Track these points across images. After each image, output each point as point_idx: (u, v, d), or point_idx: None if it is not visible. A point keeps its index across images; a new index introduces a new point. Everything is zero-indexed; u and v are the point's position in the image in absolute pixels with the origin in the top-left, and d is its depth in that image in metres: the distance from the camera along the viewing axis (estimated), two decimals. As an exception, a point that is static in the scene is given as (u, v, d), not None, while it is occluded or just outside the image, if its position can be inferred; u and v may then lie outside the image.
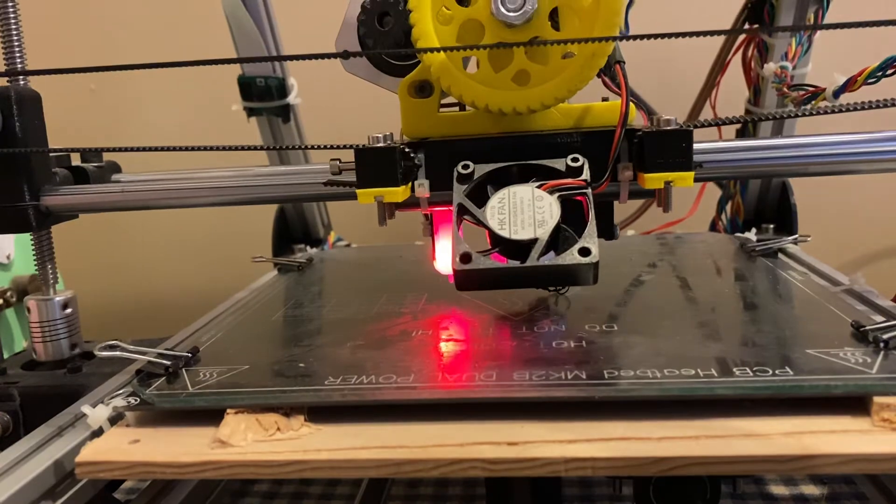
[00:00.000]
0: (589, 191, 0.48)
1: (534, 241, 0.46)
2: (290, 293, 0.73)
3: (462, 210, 0.48)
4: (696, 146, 0.48)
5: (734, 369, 0.43)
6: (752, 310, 0.56)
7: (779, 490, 0.68)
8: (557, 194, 0.47)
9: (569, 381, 0.43)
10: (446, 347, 0.51)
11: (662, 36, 0.42)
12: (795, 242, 0.77)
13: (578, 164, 0.49)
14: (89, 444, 0.43)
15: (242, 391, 0.46)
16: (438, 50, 0.47)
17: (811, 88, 0.57)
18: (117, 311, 1.34)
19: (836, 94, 0.53)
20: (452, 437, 0.40)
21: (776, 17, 0.82)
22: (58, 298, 0.64)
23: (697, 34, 0.41)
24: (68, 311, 0.65)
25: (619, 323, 0.54)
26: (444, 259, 0.56)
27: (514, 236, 0.46)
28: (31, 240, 0.65)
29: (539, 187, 0.48)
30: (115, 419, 0.46)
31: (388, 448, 0.40)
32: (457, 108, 0.53)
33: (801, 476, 0.69)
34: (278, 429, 0.42)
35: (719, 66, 0.92)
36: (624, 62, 0.50)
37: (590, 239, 0.46)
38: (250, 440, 0.41)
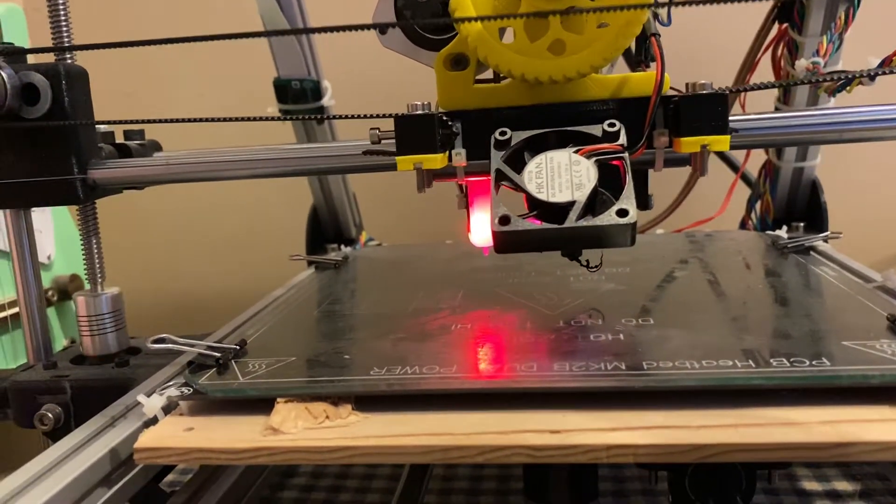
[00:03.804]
0: (626, 155, 0.48)
1: (571, 203, 0.46)
2: (328, 290, 0.75)
3: (500, 175, 0.49)
4: (733, 118, 0.49)
5: (771, 360, 0.45)
6: (785, 304, 0.57)
7: (812, 486, 0.67)
8: (594, 159, 0.48)
9: (609, 371, 0.45)
10: (486, 340, 0.53)
11: (700, 2, 0.42)
12: (826, 240, 0.78)
13: (615, 129, 0.49)
14: (146, 432, 0.44)
15: (292, 381, 0.48)
16: (476, 19, 0.48)
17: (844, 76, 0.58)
18: (153, 310, 1.36)
19: (872, 77, 0.53)
20: (496, 425, 0.42)
21: (806, 16, 0.82)
22: (105, 294, 0.66)
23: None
24: (115, 306, 0.66)
25: (654, 317, 0.56)
26: (479, 231, 0.57)
27: (552, 199, 0.46)
28: (77, 214, 0.66)
29: (576, 152, 0.48)
30: (167, 408, 0.48)
31: (434, 435, 0.41)
32: (491, 84, 0.54)
33: (835, 471, 0.69)
34: (327, 417, 0.44)
35: (748, 65, 0.92)
36: (659, 35, 0.51)
37: (627, 201, 0.46)
38: (300, 427, 0.43)
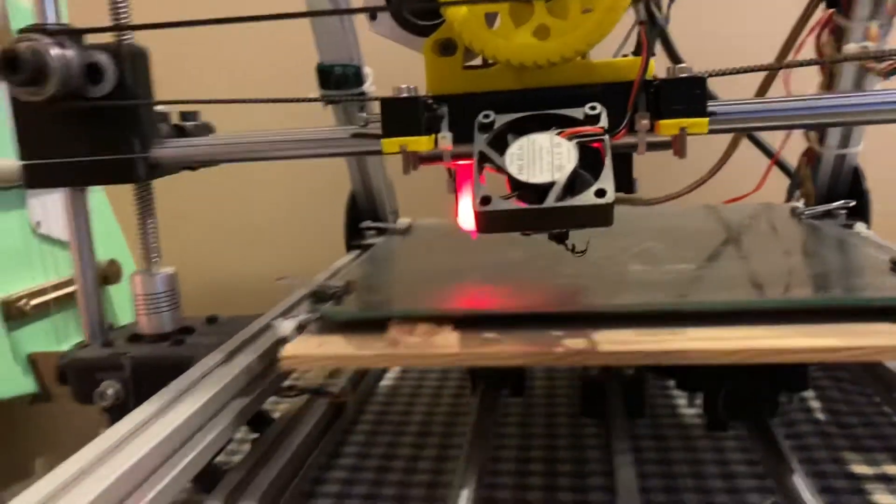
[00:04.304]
0: (606, 137, 0.49)
1: (551, 184, 0.47)
2: (404, 248, 0.84)
3: (483, 158, 0.50)
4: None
5: (796, 290, 0.57)
6: (809, 255, 0.68)
7: (861, 469, 0.67)
8: (575, 140, 0.48)
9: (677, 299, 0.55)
10: (564, 279, 0.60)
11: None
12: (843, 209, 0.86)
13: (596, 112, 0.50)
14: (288, 345, 0.52)
15: (402, 307, 0.57)
16: (461, 3, 0.49)
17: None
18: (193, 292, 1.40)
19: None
20: (578, 342, 0.49)
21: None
22: (161, 274, 0.68)
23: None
24: (170, 286, 0.68)
25: (697, 263, 0.65)
26: (466, 214, 0.58)
27: (532, 180, 0.47)
28: (134, 194, 0.68)
29: (558, 135, 0.49)
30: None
31: (531, 343, 0.49)
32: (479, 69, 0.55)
33: (885, 456, 0.68)
34: (433, 333, 0.51)
35: (788, 50, 0.90)
36: (647, 23, 0.51)
37: (606, 181, 0.47)
38: (412, 341, 0.51)
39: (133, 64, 0.62)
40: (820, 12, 0.87)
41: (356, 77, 0.91)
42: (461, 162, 0.56)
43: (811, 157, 0.95)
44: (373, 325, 0.53)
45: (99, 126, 0.62)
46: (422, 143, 0.51)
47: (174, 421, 0.49)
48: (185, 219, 1.36)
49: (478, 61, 0.54)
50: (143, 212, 0.68)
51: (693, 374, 0.60)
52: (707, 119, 0.49)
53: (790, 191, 1.00)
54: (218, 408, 0.54)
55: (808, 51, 0.88)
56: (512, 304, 0.55)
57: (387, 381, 0.86)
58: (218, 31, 1.05)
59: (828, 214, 0.87)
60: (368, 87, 0.92)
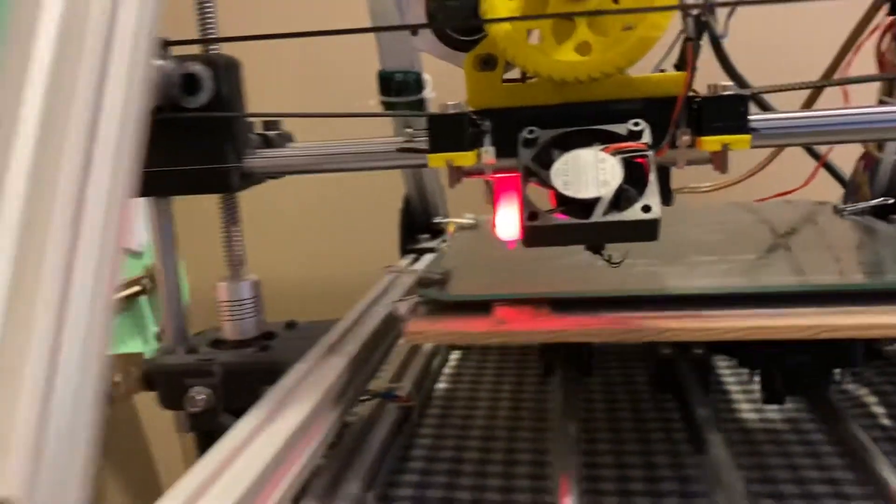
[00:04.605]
0: (650, 153, 0.50)
1: (597, 199, 0.48)
2: (478, 241, 0.86)
3: (528, 172, 0.51)
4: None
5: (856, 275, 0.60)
6: (860, 246, 0.72)
7: None
8: (619, 156, 0.49)
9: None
10: (637, 265, 0.61)
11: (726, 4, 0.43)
12: (883, 205, 0.87)
13: (639, 128, 0.51)
14: (412, 322, 0.56)
15: (504, 291, 0.60)
16: (505, 20, 0.50)
17: None
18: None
19: None
20: (669, 321, 0.52)
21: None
22: (246, 281, 0.70)
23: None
24: (254, 293, 0.71)
25: (757, 253, 0.69)
26: (504, 225, 0.58)
27: (579, 195, 0.48)
28: (220, 203, 0.70)
29: (601, 150, 0.50)
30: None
31: (628, 321, 0.53)
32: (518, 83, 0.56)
33: None
34: (536, 313, 0.55)
35: (843, 59, 0.89)
36: (694, 40, 0.52)
37: (651, 197, 0.48)
38: (516, 322, 0.54)
39: (228, 75, 0.63)
40: (882, 15, 0.85)
41: (416, 83, 0.92)
42: (500, 175, 0.57)
43: (869, 162, 0.94)
44: (474, 307, 0.57)
45: (196, 137, 0.62)
46: (467, 158, 0.51)
47: (287, 427, 0.49)
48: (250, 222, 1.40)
49: (512, 74, 0.54)
50: (228, 220, 0.70)
51: (754, 353, 0.64)
52: (749, 136, 0.49)
53: (845, 198, 0.98)
54: (318, 413, 0.54)
55: (865, 56, 0.87)
56: (601, 287, 0.58)
57: (441, 384, 0.87)
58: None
59: (870, 212, 0.88)
60: (428, 93, 0.93)
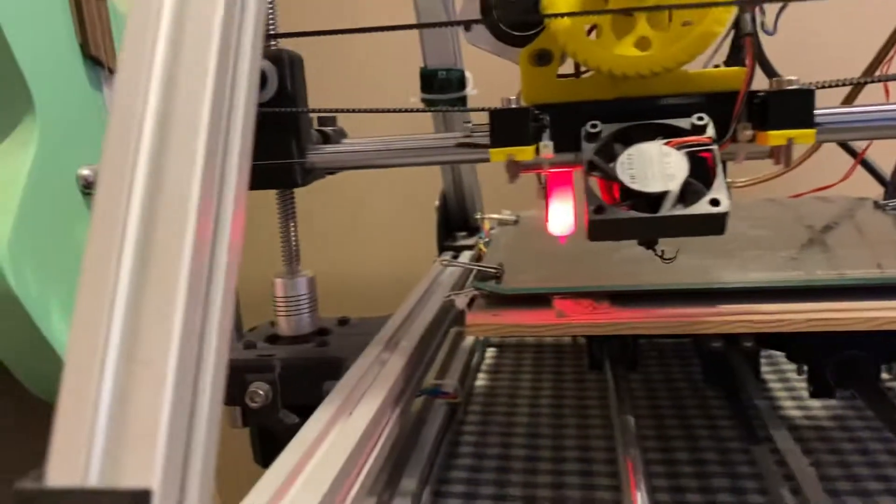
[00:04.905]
0: (715, 147, 0.50)
1: (664, 193, 0.48)
2: (522, 236, 0.85)
3: (592, 167, 0.51)
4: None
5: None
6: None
7: None
8: (684, 150, 0.49)
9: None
10: (690, 259, 0.62)
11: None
12: None
13: (703, 122, 0.51)
14: (469, 315, 0.56)
15: (561, 284, 0.60)
16: (566, 15, 0.50)
17: None
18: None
19: None
20: (729, 314, 0.53)
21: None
22: (301, 277, 0.70)
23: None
24: (310, 289, 0.71)
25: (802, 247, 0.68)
26: (557, 220, 0.58)
27: (646, 189, 0.48)
28: (277, 199, 0.71)
29: (665, 144, 0.50)
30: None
31: (688, 313, 0.53)
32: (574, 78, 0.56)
33: None
34: (595, 306, 0.56)
35: (885, 55, 0.88)
36: (753, 34, 0.52)
37: (720, 191, 0.48)
38: (576, 314, 0.55)
39: (292, 70, 0.63)
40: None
41: (459, 81, 0.92)
42: (554, 170, 0.57)
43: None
44: (531, 300, 0.58)
45: (262, 132, 0.61)
46: (527, 153, 0.52)
47: (357, 425, 0.49)
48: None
49: (564, 69, 0.55)
50: (285, 216, 0.70)
51: (802, 346, 0.64)
52: (814, 130, 0.49)
53: (887, 195, 0.97)
54: (384, 411, 0.54)
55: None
56: (657, 280, 0.58)
57: (479, 380, 0.88)
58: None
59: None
60: (470, 91, 0.93)
